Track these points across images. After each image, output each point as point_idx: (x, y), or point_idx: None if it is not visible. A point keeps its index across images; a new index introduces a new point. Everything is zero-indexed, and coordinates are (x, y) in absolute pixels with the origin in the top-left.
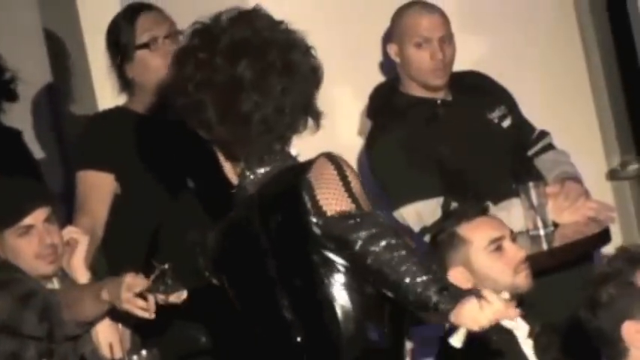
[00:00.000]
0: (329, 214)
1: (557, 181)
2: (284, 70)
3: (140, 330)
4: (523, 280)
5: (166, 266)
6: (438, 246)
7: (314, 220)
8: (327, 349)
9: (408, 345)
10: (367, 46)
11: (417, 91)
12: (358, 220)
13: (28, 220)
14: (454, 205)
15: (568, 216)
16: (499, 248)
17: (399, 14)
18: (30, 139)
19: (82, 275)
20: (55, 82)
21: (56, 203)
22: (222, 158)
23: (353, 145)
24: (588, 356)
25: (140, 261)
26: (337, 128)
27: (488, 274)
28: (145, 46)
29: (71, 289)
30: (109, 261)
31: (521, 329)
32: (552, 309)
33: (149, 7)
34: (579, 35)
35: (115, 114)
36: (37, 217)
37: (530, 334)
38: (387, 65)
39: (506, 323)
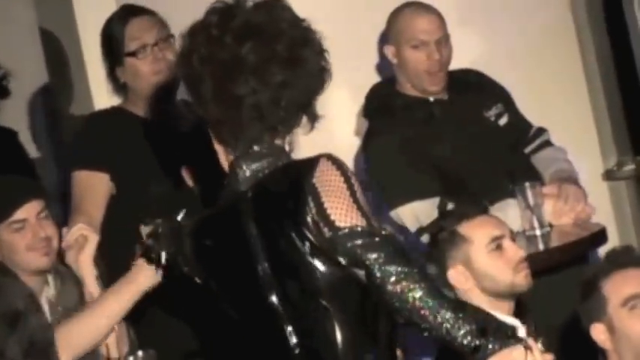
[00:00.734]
0: (338, 225)
1: (554, 181)
2: (289, 62)
3: (137, 330)
4: (522, 279)
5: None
6: (437, 245)
7: (323, 230)
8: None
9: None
10: (364, 46)
11: (414, 91)
12: (374, 238)
13: (20, 214)
14: (450, 205)
15: (567, 220)
16: (499, 247)
17: (395, 15)
18: (25, 138)
19: (89, 273)
20: (51, 81)
21: (49, 198)
22: (215, 140)
23: (349, 145)
24: (585, 356)
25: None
26: (334, 128)
27: (488, 273)
28: (133, 54)
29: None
30: (104, 261)
31: (518, 329)
32: (549, 309)
33: (141, 11)
34: (576, 35)
35: (111, 114)
36: (30, 210)
37: (528, 334)
38: (383, 66)
39: None
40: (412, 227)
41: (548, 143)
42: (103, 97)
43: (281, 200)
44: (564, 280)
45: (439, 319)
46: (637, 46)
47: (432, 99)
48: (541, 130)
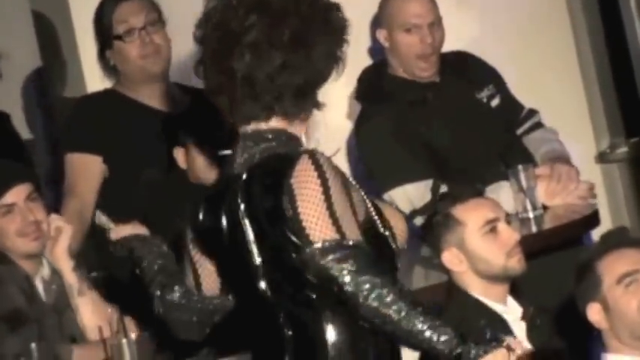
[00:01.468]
0: (311, 239)
1: (546, 161)
2: (292, 43)
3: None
4: (516, 263)
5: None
6: (431, 228)
7: (300, 241)
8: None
9: None
10: (356, 30)
11: (405, 75)
12: (344, 251)
13: (8, 198)
14: (443, 187)
15: (560, 200)
16: (493, 230)
17: None
18: (18, 121)
19: (65, 265)
20: (44, 64)
21: (41, 182)
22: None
23: (342, 129)
24: (579, 338)
25: None
26: (326, 112)
27: (482, 256)
28: (120, 37)
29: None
30: (97, 243)
31: (511, 312)
32: (542, 291)
33: None
34: (568, 16)
35: (103, 96)
36: (18, 194)
37: (524, 317)
38: (376, 50)
39: (495, 307)
40: (405, 210)
41: (539, 125)
42: (95, 80)
43: (263, 192)
44: (558, 262)
45: (417, 327)
46: (630, 26)
47: (423, 82)
48: (532, 112)
